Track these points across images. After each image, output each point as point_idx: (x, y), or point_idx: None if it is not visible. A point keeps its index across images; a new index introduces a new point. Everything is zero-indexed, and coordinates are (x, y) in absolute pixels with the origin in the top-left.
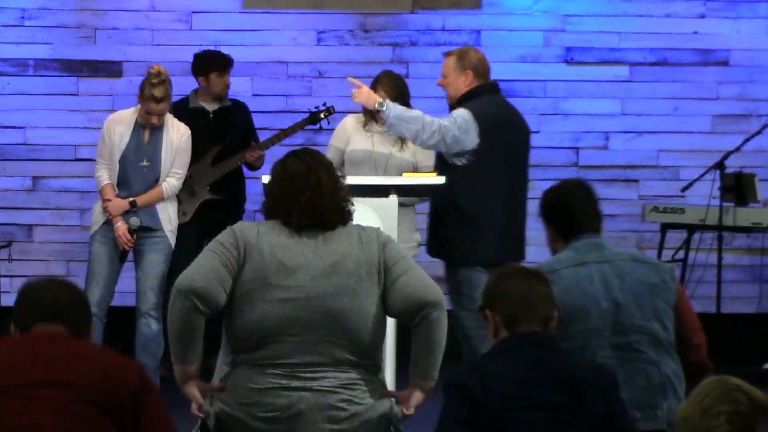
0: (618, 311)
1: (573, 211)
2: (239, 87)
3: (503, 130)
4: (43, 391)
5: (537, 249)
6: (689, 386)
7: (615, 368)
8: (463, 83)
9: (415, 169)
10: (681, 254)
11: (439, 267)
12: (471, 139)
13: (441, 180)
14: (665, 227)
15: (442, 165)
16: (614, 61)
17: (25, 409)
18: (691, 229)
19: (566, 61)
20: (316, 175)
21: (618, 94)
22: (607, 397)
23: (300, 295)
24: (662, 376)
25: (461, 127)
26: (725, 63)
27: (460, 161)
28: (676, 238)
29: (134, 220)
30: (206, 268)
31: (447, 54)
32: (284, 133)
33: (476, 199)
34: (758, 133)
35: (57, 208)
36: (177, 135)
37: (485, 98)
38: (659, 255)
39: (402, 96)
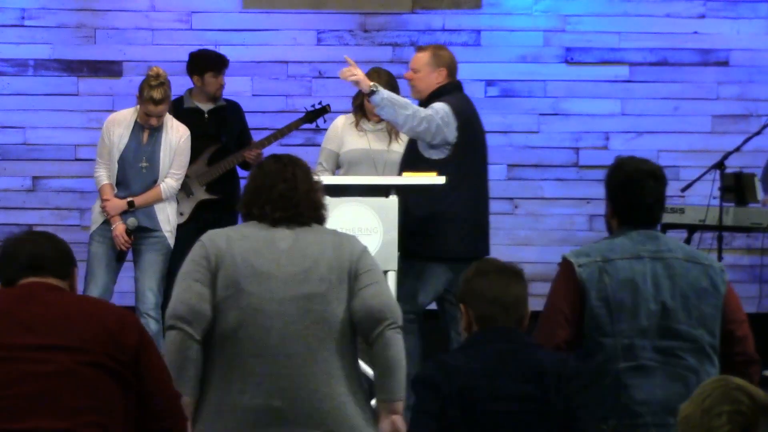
0: (665, 315)
1: (642, 203)
2: (239, 87)
3: (474, 127)
4: (44, 355)
5: (538, 249)
6: None
7: (654, 371)
8: (435, 79)
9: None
10: None
11: None
12: (451, 132)
13: (441, 180)
14: (665, 227)
15: (415, 159)
16: (614, 61)
17: (25, 375)
18: (691, 229)
19: (566, 61)
20: (292, 170)
21: (618, 94)
22: (568, 388)
23: (273, 302)
24: (699, 384)
25: (443, 119)
26: (725, 63)
27: (437, 155)
28: (676, 238)
29: (131, 221)
30: (184, 292)
31: (420, 49)
32: (280, 133)
33: (451, 194)
34: (758, 133)
35: (57, 208)
36: (176, 136)
37: (457, 95)
38: None
39: (394, 92)
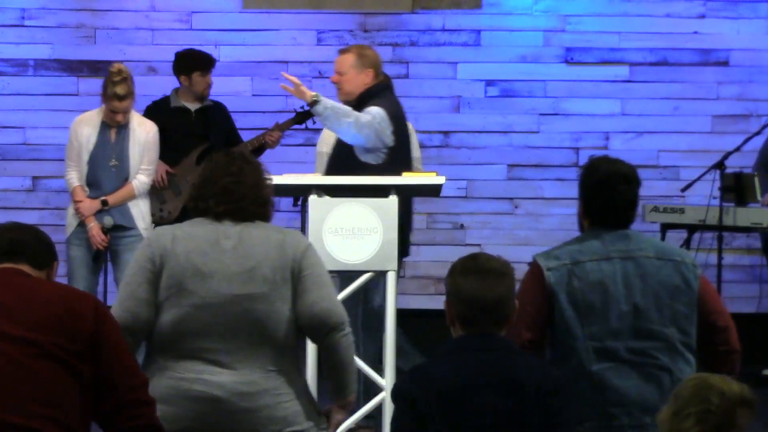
0: (637, 315)
1: (613, 205)
2: (239, 87)
3: (404, 129)
4: None
5: (538, 249)
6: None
7: (626, 372)
8: (362, 81)
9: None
10: None
11: (438, 267)
12: (388, 137)
13: (441, 180)
14: (665, 227)
15: (351, 163)
16: (614, 61)
17: None
18: (691, 229)
19: (566, 61)
20: (239, 165)
21: (618, 94)
22: (549, 404)
23: (215, 301)
24: (674, 382)
25: (380, 123)
26: (725, 63)
27: (374, 159)
28: (676, 238)
29: (108, 220)
30: (127, 300)
31: (343, 51)
32: (269, 134)
33: None
34: (758, 133)
35: (57, 208)
36: (144, 131)
37: (388, 96)
38: None
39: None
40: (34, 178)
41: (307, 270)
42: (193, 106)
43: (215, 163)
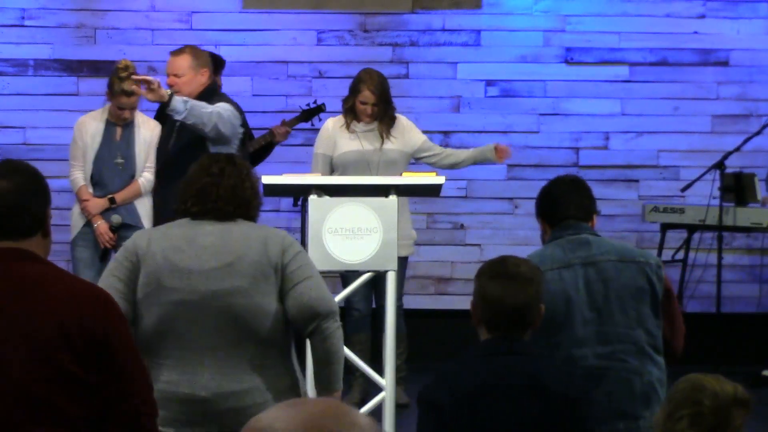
0: (601, 320)
1: (556, 198)
2: (239, 87)
3: (246, 124)
4: None
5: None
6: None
7: (597, 378)
8: (200, 81)
9: (409, 158)
10: (681, 254)
11: (438, 267)
12: (239, 128)
13: (441, 180)
14: (665, 227)
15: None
16: (614, 61)
17: None
18: (691, 229)
19: (566, 61)
20: (221, 166)
21: (618, 94)
22: (576, 409)
23: (194, 297)
24: (645, 385)
25: (234, 115)
26: (725, 63)
27: (228, 150)
28: (676, 238)
29: (116, 218)
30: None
31: (176, 53)
32: (276, 128)
33: None
34: (758, 133)
35: (57, 208)
36: (148, 129)
37: (224, 95)
38: (659, 255)
39: (385, 94)
40: None
41: (292, 265)
42: None
43: (198, 164)
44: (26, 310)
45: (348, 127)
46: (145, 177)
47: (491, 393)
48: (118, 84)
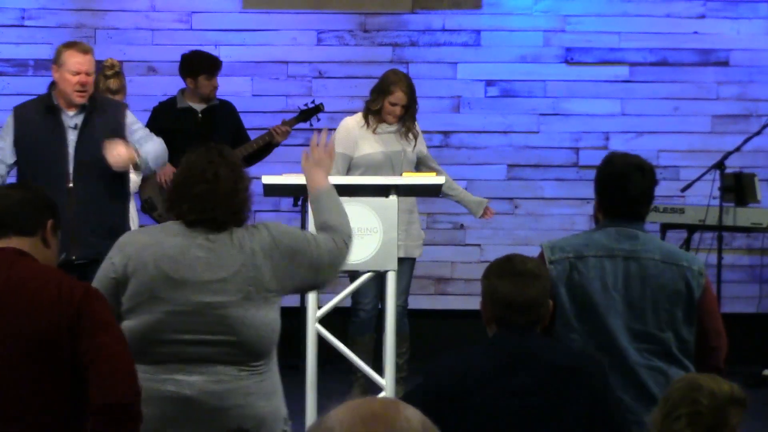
0: (633, 316)
1: (625, 196)
2: (239, 87)
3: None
4: None
5: (538, 249)
6: None
7: (624, 370)
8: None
9: (420, 160)
10: None
11: (438, 267)
12: None
13: (441, 180)
14: (665, 227)
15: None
16: (614, 61)
17: None
18: (691, 229)
19: (566, 61)
20: (215, 170)
21: (618, 94)
22: (594, 384)
23: (188, 309)
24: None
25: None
26: (725, 63)
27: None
28: (676, 238)
29: None
30: None
31: (89, 50)
32: (276, 128)
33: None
34: (758, 133)
35: None
36: None
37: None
38: None
39: (414, 95)
40: None
41: (289, 248)
42: (199, 107)
43: (191, 166)
44: (17, 308)
45: (373, 128)
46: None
47: (501, 371)
48: (104, 82)
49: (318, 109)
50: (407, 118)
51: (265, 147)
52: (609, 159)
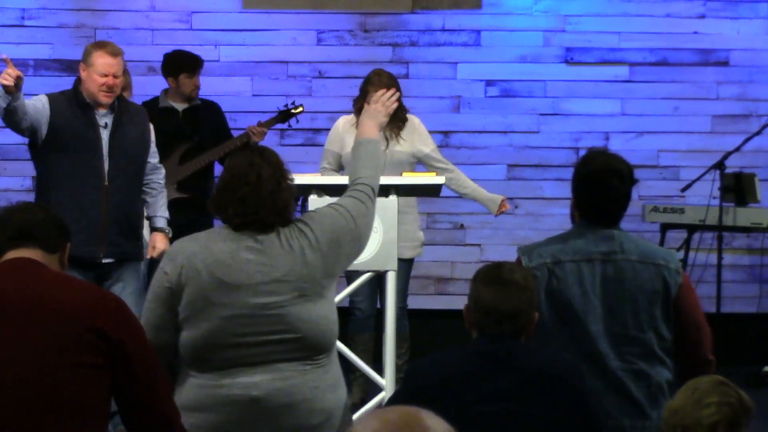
0: (612, 319)
1: (604, 201)
2: (239, 87)
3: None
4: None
5: None
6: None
7: (605, 375)
8: None
9: (416, 160)
10: (681, 254)
11: (438, 267)
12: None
13: (441, 180)
14: (665, 227)
15: None
16: (614, 61)
17: None
18: (691, 229)
19: (566, 61)
20: (257, 172)
21: (618, 94)
22: (570, 390)
23: (245, 312)
24: (653, 386)
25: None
26: (725, 63)
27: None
28: (676, 238)
29: None
30: (147, 327)
31: (118, 53)
32: (251, 129)
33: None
34: (758, 133)
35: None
36: None
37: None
38: None
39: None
40: (34, 178)
41: (334, 236)
42: (180, 107)
43: (233, 170)
44: (41, 311)
45: (358, 126)
46: None
47: (478, 375)
48: None
49: (298, 110)
50: (393, 117)
51: (242, 147)
52: (589, 157)
